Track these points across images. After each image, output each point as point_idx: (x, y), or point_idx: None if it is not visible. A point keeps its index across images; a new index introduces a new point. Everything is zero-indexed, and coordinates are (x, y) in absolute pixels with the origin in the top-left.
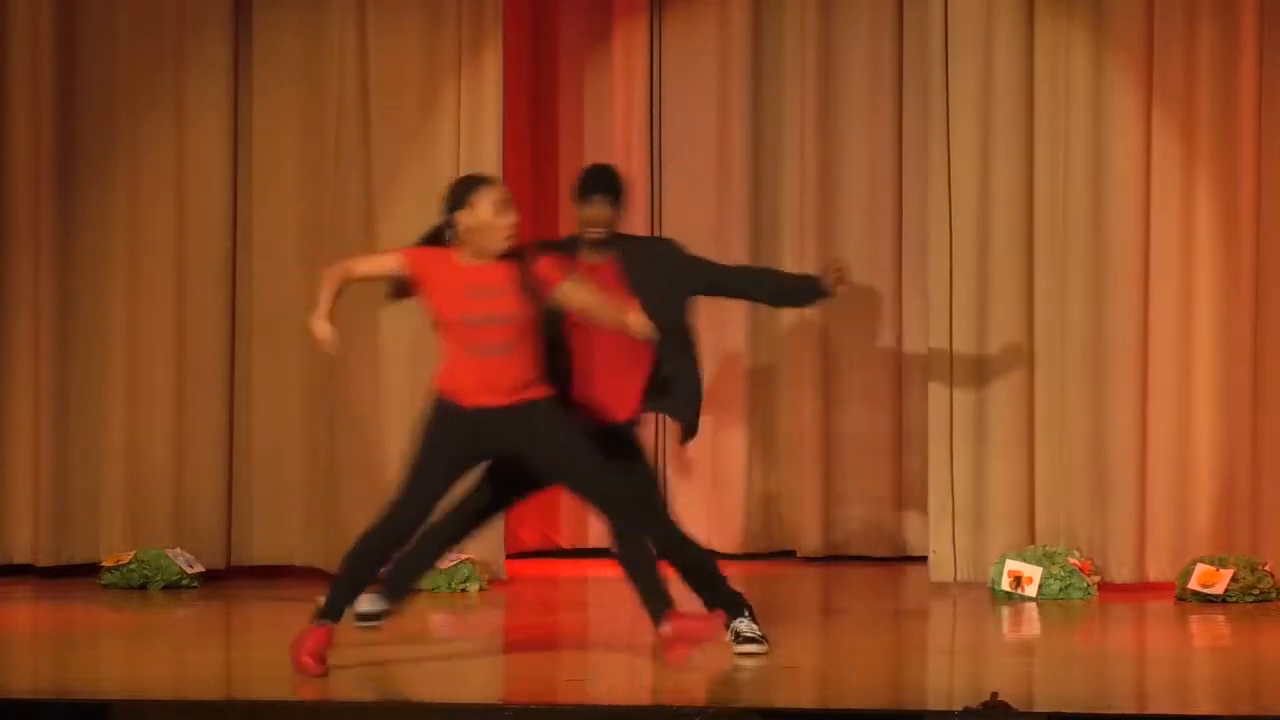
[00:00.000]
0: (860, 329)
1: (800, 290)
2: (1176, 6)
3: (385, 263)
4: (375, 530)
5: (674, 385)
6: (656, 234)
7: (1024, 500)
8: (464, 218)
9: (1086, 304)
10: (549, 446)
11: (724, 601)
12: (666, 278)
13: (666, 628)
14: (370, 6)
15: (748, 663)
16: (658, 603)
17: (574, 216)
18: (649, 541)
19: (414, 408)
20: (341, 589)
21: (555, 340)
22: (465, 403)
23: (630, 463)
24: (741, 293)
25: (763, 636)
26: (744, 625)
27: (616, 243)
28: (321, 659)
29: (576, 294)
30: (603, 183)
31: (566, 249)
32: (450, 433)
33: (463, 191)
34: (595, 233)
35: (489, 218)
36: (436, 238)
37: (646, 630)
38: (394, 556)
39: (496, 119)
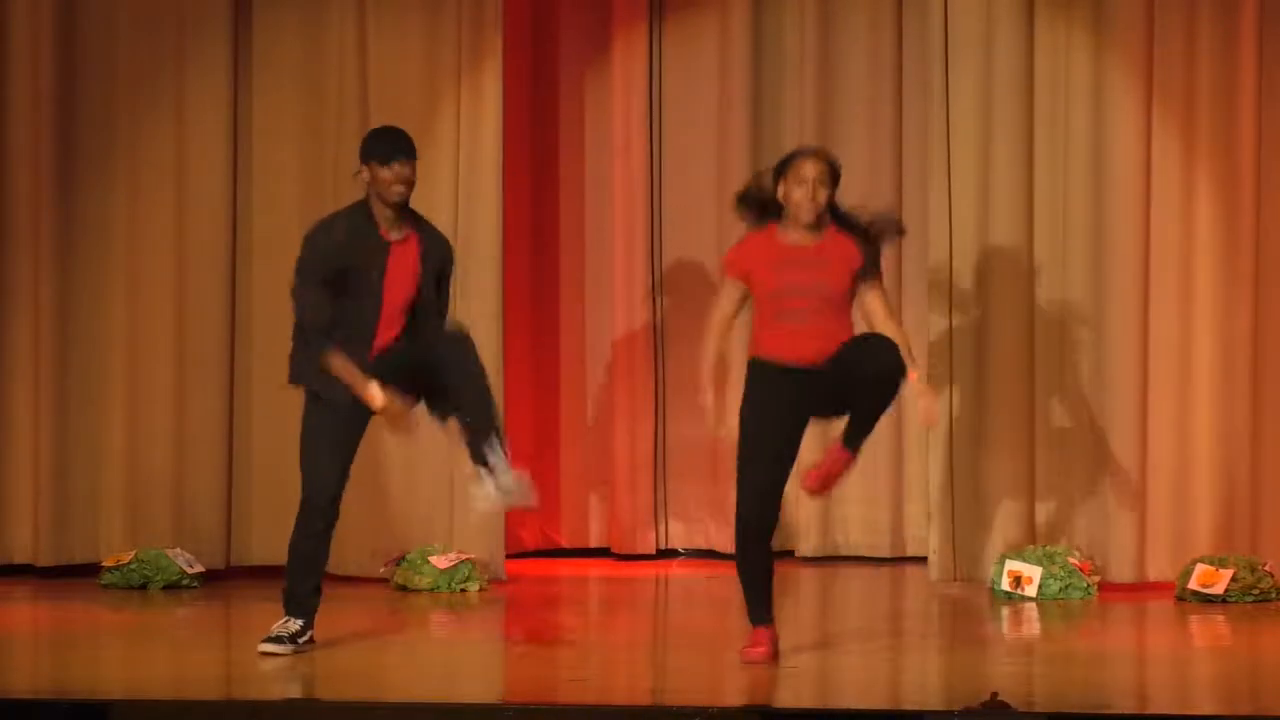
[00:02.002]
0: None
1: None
2: (1176, 7)
3: (731, 294)
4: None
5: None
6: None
7: (1024, 500)
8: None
9: (1086, 303)
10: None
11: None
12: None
13: None
14: (370, 8)
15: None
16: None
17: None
18: None
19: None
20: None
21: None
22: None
23: None
24: None
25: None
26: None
27: (418, 224)
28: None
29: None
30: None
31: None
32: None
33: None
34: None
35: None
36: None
37: (646, 630)
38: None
39: (497, 119)
